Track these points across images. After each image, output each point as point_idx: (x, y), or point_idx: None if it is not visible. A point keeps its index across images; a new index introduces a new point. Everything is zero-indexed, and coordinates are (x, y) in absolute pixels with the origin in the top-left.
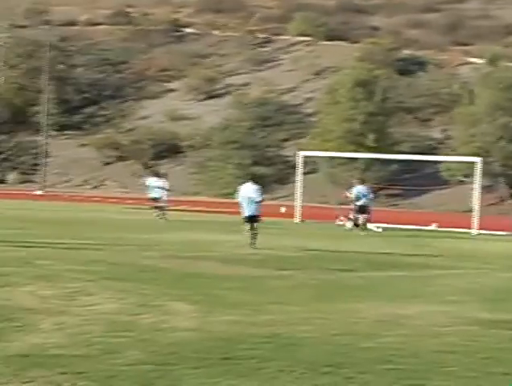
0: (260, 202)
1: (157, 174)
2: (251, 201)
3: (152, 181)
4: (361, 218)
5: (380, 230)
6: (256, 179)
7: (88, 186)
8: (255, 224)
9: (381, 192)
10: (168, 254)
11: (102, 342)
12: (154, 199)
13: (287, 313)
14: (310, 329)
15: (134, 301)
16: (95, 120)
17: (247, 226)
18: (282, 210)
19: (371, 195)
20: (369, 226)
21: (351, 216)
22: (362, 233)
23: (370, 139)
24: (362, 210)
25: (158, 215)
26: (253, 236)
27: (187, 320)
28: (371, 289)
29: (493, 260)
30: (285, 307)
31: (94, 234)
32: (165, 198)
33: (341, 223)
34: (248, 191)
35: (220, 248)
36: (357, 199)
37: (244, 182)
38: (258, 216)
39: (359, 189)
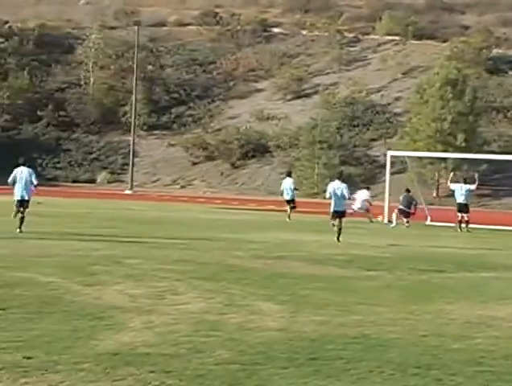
0: (347, 199)
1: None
2: (339, 197)
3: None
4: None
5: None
6: (343, 177)
7: (176, 186)
8: (341, 220)
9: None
10: (256, 254)
11: (190, 342)
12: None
13: (375, 313)
14: (398, 330)
15: (221, 301)
16: (183, 120)
17: (334, 221)
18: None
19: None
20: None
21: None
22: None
23: (460, 139)
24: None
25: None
26: (339, 231)
27: (274, 320)
28: (460, 291)
29: None
30: (373, 308)
31: (182, 233)
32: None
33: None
34: (336, 188)
35: (307, 248)
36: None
37: (332, 180)
38: (344, 212)
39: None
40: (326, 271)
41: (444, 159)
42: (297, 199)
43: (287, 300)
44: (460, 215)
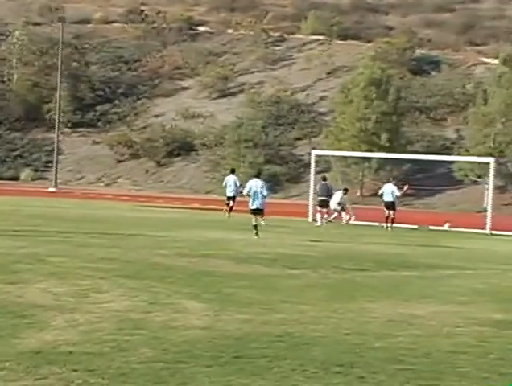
0: (266, 197)
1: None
2: (258, 195)
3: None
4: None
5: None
6: (261, 175)
7: (101, 184)
8: (260, 217)
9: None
10: (180, 252)
11: (114, 340)
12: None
13: (299, 312)
14: (322, 328)
15: (145, 299)
16: (108, 117)
17: (253, 218)
18: (446, 226)
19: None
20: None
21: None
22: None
23: (384, 138)
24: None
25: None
26: (257, 228)
27: (198, 318)
28: (383, 289)
29: (505, 261)
30: (297, 306)
31: (107, 231)
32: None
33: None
34: (255, 186)
35: (232, 247)
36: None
37: (251, 178)
38: (262, 210)
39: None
40: (251, 269)
41: (368, 159)
42: (222, 198)
43: (212, 298)
44: (387, 212)
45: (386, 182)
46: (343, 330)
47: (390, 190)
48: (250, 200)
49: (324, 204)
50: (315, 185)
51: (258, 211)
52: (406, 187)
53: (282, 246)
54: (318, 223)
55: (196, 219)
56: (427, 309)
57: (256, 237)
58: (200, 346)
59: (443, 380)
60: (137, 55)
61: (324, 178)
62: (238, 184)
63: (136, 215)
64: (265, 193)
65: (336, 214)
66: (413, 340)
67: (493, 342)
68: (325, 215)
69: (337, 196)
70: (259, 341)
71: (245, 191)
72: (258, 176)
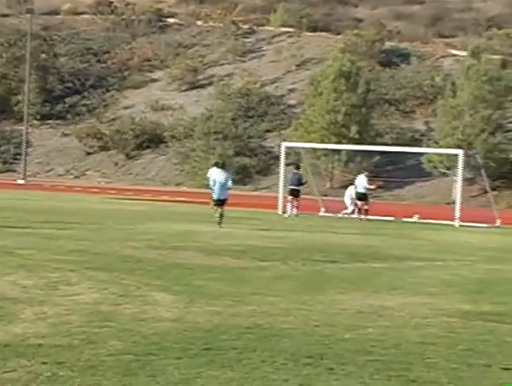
0: (229, 187)
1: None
2: (221, 186)
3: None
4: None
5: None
6: (224, 165)
7: (70, 176)
8: (223, 207)
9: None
10: (151, 244)
11: (83, 333)
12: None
13: (269, 304)
14: (291, 320)
15: (115, 292)
16: (77, 109)
17: (216, 208)
18: (415, 218)
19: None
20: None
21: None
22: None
23: (353, 131)
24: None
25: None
26: (221, 217)
27: (168, 310)
28: (353, 281)
29: (474, 252)
30: (267, 298)
31: (76, 224)
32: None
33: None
34: (218, 177)
35: (202, 239)
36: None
37: (213, 168)
38: (226, 200)
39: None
40: (221, 262)
41: (338, 151)
42: (193, 190)
43: (182, 290)
44: (359, 203)
45: (358, 174)
46: (312, 322)
47: (361, 182)
48: (215, 191)
49: (294, 193)
50: (285, 176)
51: (221, 202)
52: (373, 187)
53: (252, 238)
54: (287, 214)
55: (165, 211)
56: (397, 300)
57: (220, 228)
58: (169, 339)
59: (412, 371)
60: (106, 46)
61: (297, 167)
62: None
63: (106, 207)
64: (229, 184)
65: (351, 208)
66: (382, 331)
67: (461, 333)
68: (294, 208)
69: (350, 190)
70: (229, 333)
71: (211, 183)
72: (222, 167)
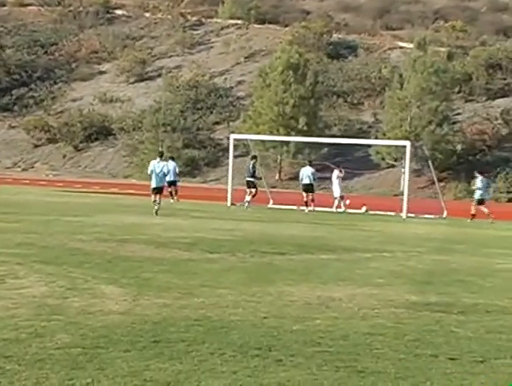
0: (165, 175)
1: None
2: (159, 175)
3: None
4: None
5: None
6: (162, 155)
7: (17, 169)
8: (160, 195)
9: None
10: (99, 237)
11: (31, 326)
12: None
13: (218, 296)
14: (240, 312)
15: (63, 285)
16: (24, 102)
17: (155, 197)
18: (363, 209)
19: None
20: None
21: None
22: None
23: (301, 122)
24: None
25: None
26: (158, 206)
27: (117, 303)
28: (301, 273)
29: (421, 243)
30: (215, 290)
31: (24, 217)
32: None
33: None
34: (156, 166)
35: (151, 231)
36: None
37: (154, 159)
38: (162, 188)
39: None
40: (169, 254)
41: (287, 143)
42: (141, 183)
43: (130, 283)
44: (305, 194)
45: (303, 166)
46: (261, 314)
47: (307, 174)
48: (152, 180)
49: (249, 184)
50: (233, 169)
51: (158, 190)
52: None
53: (201, 230)
54: (245, 205)
55: (114, 203)
56: (345, 291)
57: (155, 215)
58: (118, 331)
59: (360, 362)
60: (53, 38)
61: (254, 157)
62: (177, 171)
63: (54, 200)
64: (166, 172)
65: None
66: (330, 323)
67: (408, 323)
68: (247, 198)
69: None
70: (178, 325)
71: (148, 172)
72: (160, 157)
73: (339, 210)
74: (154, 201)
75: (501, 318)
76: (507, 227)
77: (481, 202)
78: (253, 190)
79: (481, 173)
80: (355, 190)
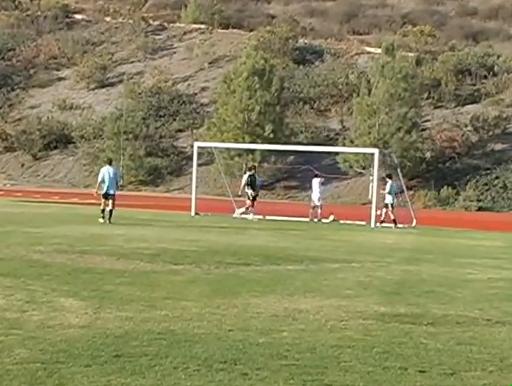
0: (118, 183)
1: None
2: (111, 181)
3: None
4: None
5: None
6: (111, 162)
7: None
8: (113, 202)
9: (277, 184)
10: (59, 248)
11: None
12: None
13: (182, 308)
14: (205, 325)
15: (22, 298)
16: None
17: (107, 202)
18: (331, 218)
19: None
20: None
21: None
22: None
23: (267, 130)
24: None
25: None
26: (110, 213)
27: (77, 317)
28: (267, 284)
29: (390, 253)
30: (179, 303)
31: None
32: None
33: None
34: (108, 173)
35: (112, 242)
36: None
37: (104, 165)
38: (114, 195)
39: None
40: (131, 265)
41: (252, 150)
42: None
43: (91, 296)
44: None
45: (244, 173)
46: (226, 327)
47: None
48: (104, 186)
49: (253, 196)
50: (197, 178)
51: (109, 196)
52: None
53: (164, 241)
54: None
55: (74, 213)
56: (312, 303)
57: (103, 221)
58: (78, 346)
59: (327, 375)
60: (10, 43)
61: (250, 169)
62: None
63: (12, 210)
64: (118, 179)
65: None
66: (297, 335)
67: (377, 335)
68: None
69: (317, 189)
70: (140, 339)
71: (99, 179)
72: (109, 163)
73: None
74: (104, 210)
75: (471, 330)
76: (477, 236)
77: (390, 206)
78: (249, 201)
79: (389, 177)
80: (323, 198)
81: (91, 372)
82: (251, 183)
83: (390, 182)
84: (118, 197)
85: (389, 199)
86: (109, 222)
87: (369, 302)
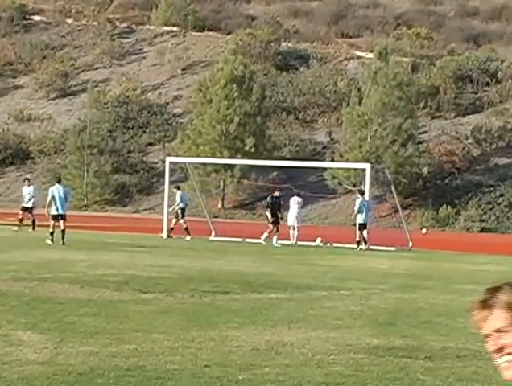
0: (66, 201)
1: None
2: (61, 201)
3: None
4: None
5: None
6: (60, 180)
7: None
8: (64, 222)
9: (259, 203)
10: (15, 276)
11: None
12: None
13: (152, 342)
14: (178, 360)
15: None
16: None
17: (55, 223)
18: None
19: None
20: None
21: None
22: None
23: (248, 143)
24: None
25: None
26: (63, 233)
27: (36, 352)
28: (248, 314)
29: (383, 279)
30: (150, 335)
31: None
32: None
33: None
34: (58, 192)
35: (75, 269)
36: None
37: (54, 184)
38: (65, 215)
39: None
40: (97, 294)
41: (231, 166)
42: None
43: (52, 328)
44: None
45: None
46: (202, 362)
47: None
48: (53, 206)
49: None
50: (169, 197)
51: (60, 217)
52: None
53: (133, 267)
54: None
55: (33, 237)
56: (297, 335)
57: (51, 243)
58: (37, 384)
59: None
60: None
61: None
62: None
63: None
64: (68, 198)
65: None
66: (281, 371)
67: (370, 370)
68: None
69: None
70: (106, 376)
71: (48, 199)
72: (58, 182)
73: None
74: (52, 232)
75: (473, 364)
76: (480, 260)
77: (362, 226)
78: (272, 225)
79: (361, 193)
80: (308, 219)
81: None
82: (271, 206)
83: (360, 199)
84: (82, 219)
85: (360, 219)
86: (63, 243)
87: (361, 334)
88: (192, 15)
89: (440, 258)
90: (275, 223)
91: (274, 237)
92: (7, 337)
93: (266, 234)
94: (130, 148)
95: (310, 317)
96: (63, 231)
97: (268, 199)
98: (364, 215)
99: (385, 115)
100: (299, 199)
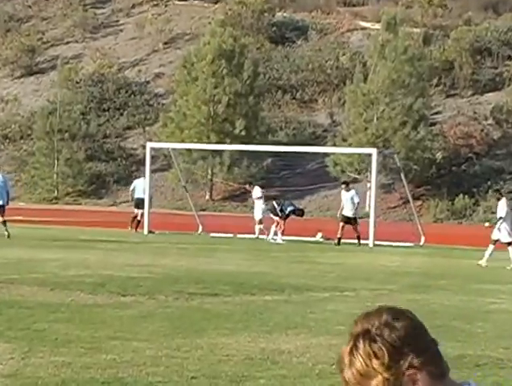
0: (8, 192)
1: None
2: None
3: None
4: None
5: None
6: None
7: None
8: (4, 214)
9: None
10: None
11: None
12: None
13: (133, 351)
14: (162, 371)
15: None
16: None
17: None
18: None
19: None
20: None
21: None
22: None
23: (239, 126)
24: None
25: None
26: (4, 224)
27: (1, 363)
28: (240, 319)
29: (392, 279)
30: (130, 343)
31: None
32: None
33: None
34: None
35: (45, 269)
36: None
37: None
38: (4, 206)
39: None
40: (69, 298)
41: (220, 152)
42: (32, 207)
43: (18, 336)
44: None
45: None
46: (189, 373)
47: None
48: None
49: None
50: (151, 187)
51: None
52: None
53: (110, 267)
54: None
55: None
56: (296, 342)
57: (7, 238)
58: None
59: None
60: None
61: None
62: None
63: None
64: (8, 189)
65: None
66: (278, 383)
67: None
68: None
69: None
70: None
71: None
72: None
73: (261, 236)
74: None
75: (494, 374)
76: (501, 256)
77: (347, 220)
78: (277, 218)
79: (346, 184)
80: (308, 212)
81: None
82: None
83: (344, 190)
84: (52, 213)
85: (346, 211)
86: (8, 236)
87: None
88: None
89: (456, 255)
90: (284, 217)
91: (279, 233)
92: None
93: (277, 231)
94: (105, 132)
95: (310, 321)
96: (4, 222)
97: (275, 205)
98: (348, 207)
99: (393, 93)
100: (261, 190)
